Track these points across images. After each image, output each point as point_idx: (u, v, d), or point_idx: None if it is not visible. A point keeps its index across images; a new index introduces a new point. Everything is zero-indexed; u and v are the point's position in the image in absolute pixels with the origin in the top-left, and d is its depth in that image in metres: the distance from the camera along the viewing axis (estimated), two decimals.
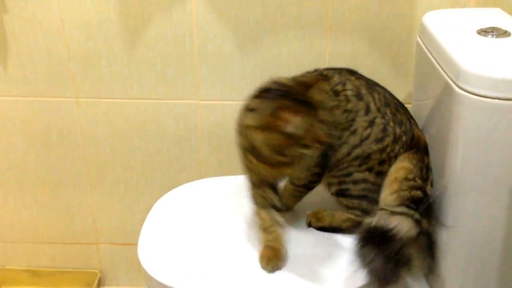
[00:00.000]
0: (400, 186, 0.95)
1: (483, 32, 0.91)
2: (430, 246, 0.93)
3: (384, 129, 0.98)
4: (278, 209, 1.02)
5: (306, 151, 0.88)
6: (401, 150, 0.98)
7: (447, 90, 0.86)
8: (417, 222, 0.91)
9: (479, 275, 0.94)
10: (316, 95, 0.90)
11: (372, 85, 1.02)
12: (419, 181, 0.96)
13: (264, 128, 0.87)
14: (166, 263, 0.98)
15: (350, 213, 1.02)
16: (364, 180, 0.98)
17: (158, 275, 0.95)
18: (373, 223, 0.91)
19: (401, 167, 0.97)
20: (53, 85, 1.32)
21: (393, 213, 0.92)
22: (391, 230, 0.89)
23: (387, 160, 0.98)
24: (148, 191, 1.44)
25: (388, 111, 0.99)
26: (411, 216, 0.91)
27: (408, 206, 0.93)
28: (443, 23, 1.00)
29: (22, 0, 1.23)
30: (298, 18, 1.23)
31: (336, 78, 1.01)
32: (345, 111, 0.98)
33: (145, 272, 0.97)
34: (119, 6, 1.24)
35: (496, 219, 0.88)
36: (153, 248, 1.02)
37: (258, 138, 0.88)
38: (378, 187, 0.97)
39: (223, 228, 1.06)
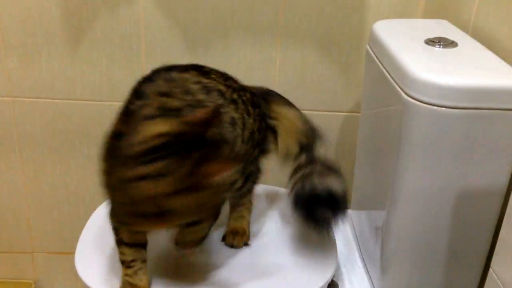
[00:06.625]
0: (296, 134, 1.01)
1: (431, 42, 0.93)
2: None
3: (233, 119, 0.90)
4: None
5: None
6: (255, 107, 0.95)
7: (395, 97, 0.86)
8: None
9: (424, 283, 0.94)
10: (215, 130, 0.81)
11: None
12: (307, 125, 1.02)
13: (186, 190, 0.75)
14: (104, 273, 0.94)
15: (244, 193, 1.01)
16: (256, 157, 0.98)
17: (96, 286, 0.92)
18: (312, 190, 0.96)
19: (287, 117, 1.01)
20: None
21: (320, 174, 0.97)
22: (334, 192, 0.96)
23: (257, 123, 0.95)
24: (88, 197, 1.38)
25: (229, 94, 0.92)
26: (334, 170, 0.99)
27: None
28: (392, 32, 1.01)
29: None
30: (249, 23, 1.21)
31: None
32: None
33: (82, 282, 0.93)
34: (61, 1, 1.18)
35: (441, 226, 0.88)
36: (91, 258, 0.98)
37: (178, 203, 0.75)
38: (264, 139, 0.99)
39: (164, 237, 1.03)
